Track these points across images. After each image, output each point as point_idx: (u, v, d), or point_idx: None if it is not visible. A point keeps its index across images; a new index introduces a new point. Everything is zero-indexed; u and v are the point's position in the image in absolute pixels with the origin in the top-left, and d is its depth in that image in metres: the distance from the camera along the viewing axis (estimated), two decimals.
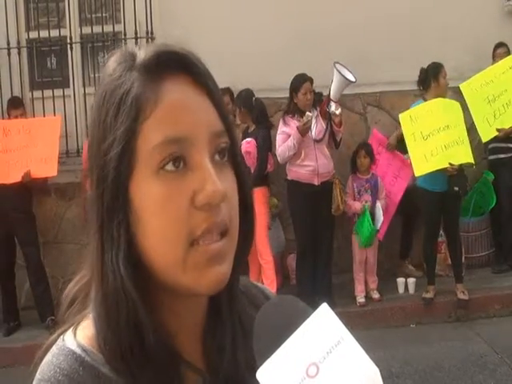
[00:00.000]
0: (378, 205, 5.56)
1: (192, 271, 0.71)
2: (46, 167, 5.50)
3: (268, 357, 0.61)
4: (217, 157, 0.74)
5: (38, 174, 5.53)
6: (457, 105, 5.33)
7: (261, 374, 0.61)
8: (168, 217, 0.70)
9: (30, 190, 5.71)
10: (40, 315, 5.63)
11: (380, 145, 5.99)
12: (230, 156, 0.76)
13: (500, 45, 6.01)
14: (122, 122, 0.70)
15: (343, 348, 0.59)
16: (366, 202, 5.58)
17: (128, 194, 0.71)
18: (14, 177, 5.47)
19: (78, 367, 0.71)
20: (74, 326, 0.77)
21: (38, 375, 0.73)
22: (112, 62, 0.75)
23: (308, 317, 0.62)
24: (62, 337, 0.76)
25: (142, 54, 0.74)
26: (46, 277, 5.74)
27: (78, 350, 0.73)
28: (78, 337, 0.75)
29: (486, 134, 5.46)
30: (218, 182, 0.70)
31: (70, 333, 0.76)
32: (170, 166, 0.70)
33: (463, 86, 5.48)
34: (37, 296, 5.66)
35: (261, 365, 0.61)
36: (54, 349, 0.75)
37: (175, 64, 0.74)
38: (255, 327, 0.67)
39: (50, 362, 0.73)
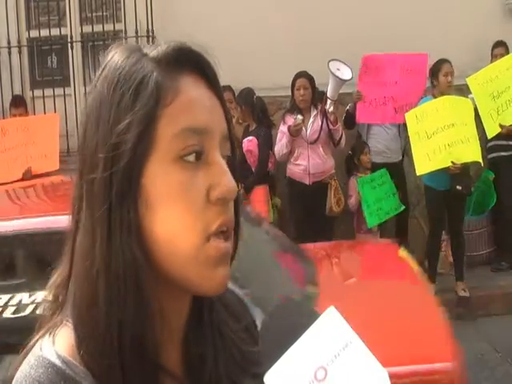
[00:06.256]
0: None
1: (203, 266, 0.70)
2: (47, 162, 5.46)
3: (275, 360, 0.61)
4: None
5: (39, 169, 5.48)
6: (468, 103, 5.23)
7: (268, 377, 0.60)
8: (186, 205, 0.69)
9: None
10: None
11: None
12: (228, 162, 0.76)
13: (498, 44, 5.93)
14: (142, 105, 0.69)
15: (351, 351, 0.59)
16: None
17: (141, 178, 0.69)
18: (15, 175, 5.44)
19: (59, 381, 0.66)
20: (50, 331, 0.71)
21: None
22: (120, 53, 0.74)
23: (315, 320, 0.62)
24: (38, 345, 0.70)
25: (160, 47, 0.74)
26: None
27: (58, 362, 0.67)
28: (57, 346, 0.69)
29: (491, 130, 5.37)
30: (232, 179, 0.72)
31: (47, 341, 0.70)
32: (191, 158, 0.70)
33: (470, 80, 5.38)
34: None
35: (268, 368, 0.61)
36: (31, 359, 0.69)
37: (191, 62, 0.74)
38: (261, 330, 0.67)
39: (27, 374, 0.67)
